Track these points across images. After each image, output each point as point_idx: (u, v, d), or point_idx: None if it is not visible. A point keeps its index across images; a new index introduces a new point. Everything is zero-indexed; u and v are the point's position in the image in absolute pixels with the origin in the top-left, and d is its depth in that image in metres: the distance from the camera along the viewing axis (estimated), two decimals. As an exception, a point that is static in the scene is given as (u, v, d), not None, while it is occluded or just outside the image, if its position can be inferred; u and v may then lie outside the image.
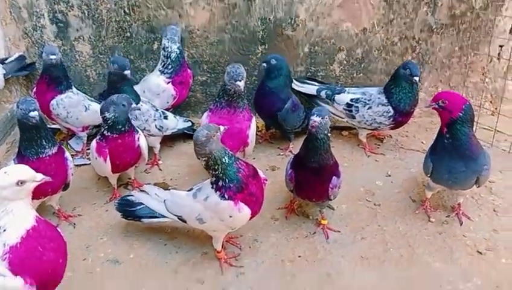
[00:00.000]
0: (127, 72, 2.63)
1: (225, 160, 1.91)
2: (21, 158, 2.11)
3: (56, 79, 2.75)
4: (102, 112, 2.35)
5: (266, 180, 2.13)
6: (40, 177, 1.63)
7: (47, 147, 2.13)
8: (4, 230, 1.54)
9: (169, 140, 3.06)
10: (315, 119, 2.02)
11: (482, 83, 3.32)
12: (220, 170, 1.91)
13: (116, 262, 2.16)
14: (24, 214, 1.59)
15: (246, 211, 1.95)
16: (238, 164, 1.95)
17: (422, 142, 3.10)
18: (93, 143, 2.43)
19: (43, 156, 2.12)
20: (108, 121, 2.34)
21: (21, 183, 1.56)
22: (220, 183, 1.92)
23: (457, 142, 2.14)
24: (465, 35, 3.18)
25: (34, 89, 2.87)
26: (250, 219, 2.01)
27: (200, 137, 1.88)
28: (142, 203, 2.19)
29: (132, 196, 2.25)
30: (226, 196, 1.92)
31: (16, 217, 1.56)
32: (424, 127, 3.29)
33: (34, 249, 1.57)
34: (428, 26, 3.15)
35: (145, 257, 2.19)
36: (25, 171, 1.60)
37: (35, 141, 2.10)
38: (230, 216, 1.95)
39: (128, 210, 2.22)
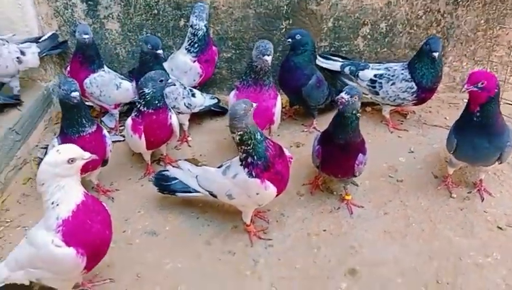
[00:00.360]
0: (160, 51, 2.65)
1: (257, 136, 1.97)
2: (64, 136, 2.22)
3: (89, 58, 2.81)
4: (140, 87, 2.39)
5: (292, 158, 2.19)
6: (87, 155, 1.74)
7: (87, 125, 2.23)
8: (57, 205, 1.67)
9: (198, 117, 3.10)
10: (343, 96, 2.04)
11: (507, 57, 3.27)
12: (251, 146, 1.96)
13: (153, 234, 2.28)
14: (74, 190, 1.71)
15: (272, 189, 2.03)
16: (267, 142, 2.01)
17: (445, 118, 3.09)
18: (129, 121, 2.48)
19: (84, 134, 2.22)
20: (146, 97, 2.38)
21: (71, 161, 1.67)
22: (249, 159, 1.99)
23: (486, 120, 2.14)
24: (491, 7, 3.10)
25: (68, 68, 2.94)
26: (276, 196, 2.09)
27: (238, 110, 1.92)
28: (176, 178, 2.28)
29: (167, 171, 2.35)
30: (254, 174, 1.99)
31: (67, 192, 1.68)
32: (448, 102, 3.27)
33: (84, 222, 1.70)
34: (454, -1, 3.10)
35: (179, 229, 2.30)
36: (74, 150, 1.72)
37: (76, 120, 2.20)
38: (257, 193, 2.03)
39: (164, 184, 2.31)
